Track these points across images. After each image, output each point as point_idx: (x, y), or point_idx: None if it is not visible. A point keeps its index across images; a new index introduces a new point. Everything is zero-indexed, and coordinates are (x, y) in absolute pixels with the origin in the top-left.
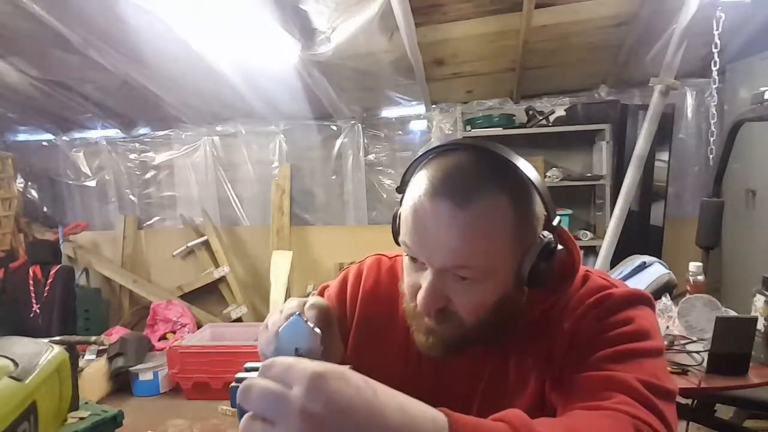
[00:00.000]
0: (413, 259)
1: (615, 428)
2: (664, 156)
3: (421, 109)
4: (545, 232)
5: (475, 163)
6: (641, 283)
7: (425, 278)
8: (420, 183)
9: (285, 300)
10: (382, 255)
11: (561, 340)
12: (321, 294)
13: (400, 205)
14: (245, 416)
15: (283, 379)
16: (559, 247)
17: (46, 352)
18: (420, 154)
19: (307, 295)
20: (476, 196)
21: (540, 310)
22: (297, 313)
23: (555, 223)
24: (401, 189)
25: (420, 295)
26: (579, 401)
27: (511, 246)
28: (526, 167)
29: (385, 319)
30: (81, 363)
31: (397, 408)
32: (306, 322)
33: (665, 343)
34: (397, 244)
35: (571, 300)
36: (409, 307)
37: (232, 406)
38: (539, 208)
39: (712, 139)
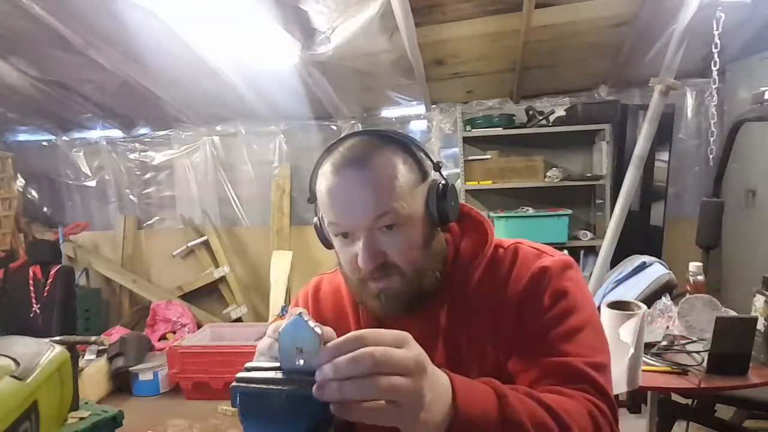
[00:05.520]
0: (345, 236)
1: (575, 407)
2: (664, 156)
3: (421, 109)
4: (436, 175)
5: (362, 140)
6: (641, 283)
7: (359, 242)
8: (325, 171)
9: (285, 299)
10: (323, 273)
11: (509, 311)
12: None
13: (316, 214)
14: (367, 378)
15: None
16: (449, 183)
17: (48, 352)
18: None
19: None
20: (371, 157)
21: (474, 280)
22: (298, 312)
23: (440, 165)
24: (311, 199)
25: (360, 257)
26: (540, 385)
27: (412, 189)
28: (399, 133)
29: (336, 324)
30: (81, 363)
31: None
32: (307, 321)
33: (597, 307)
34: (327, 247)
35: (511, 273)
36: (352, 280)
37: (233, 406)
38: (426, 161)
39: (712, 139)
